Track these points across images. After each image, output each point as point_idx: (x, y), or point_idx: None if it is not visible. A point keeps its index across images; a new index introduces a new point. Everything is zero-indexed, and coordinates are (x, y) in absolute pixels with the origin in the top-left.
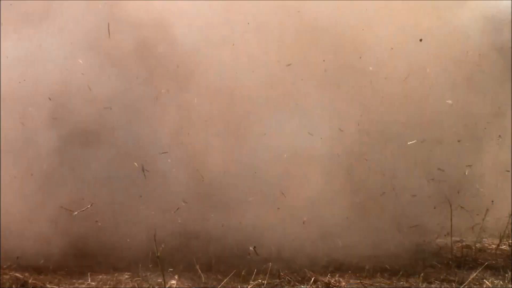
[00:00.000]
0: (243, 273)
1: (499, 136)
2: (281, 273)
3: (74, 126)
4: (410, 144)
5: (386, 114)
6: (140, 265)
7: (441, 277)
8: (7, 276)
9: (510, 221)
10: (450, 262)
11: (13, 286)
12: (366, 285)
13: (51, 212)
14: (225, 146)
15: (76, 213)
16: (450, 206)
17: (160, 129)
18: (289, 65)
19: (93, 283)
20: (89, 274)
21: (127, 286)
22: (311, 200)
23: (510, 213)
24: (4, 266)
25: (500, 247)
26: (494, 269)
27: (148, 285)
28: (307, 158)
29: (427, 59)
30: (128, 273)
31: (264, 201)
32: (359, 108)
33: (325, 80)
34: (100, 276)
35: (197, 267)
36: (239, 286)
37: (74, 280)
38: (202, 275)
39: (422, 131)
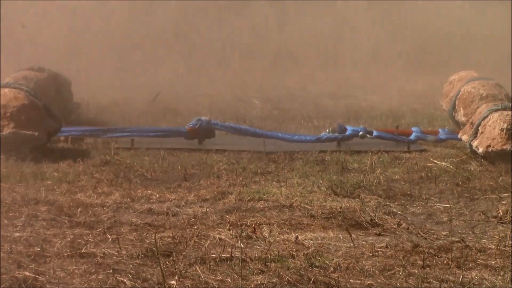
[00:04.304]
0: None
1: None
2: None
3: None
4: None
5: None
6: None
7: (441, 277)
8: (7, 276)
9: (510, 220)
10: (450, 262)
11: (13, 286)
12: (366, 285)
13: None
14: None
15: None
16: (450, 206)
17: None
18: None
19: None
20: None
21: (127, 286)
22: None
23: (511, 212)
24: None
25: (500, 247)
26: (494, 269)
27: (148, 285)
28: None
29: None
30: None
31: None
32: None
33: None
34: (100, 276)
35: (197, 267)
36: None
37: (74, 280)
38: (202, 275)
39: None
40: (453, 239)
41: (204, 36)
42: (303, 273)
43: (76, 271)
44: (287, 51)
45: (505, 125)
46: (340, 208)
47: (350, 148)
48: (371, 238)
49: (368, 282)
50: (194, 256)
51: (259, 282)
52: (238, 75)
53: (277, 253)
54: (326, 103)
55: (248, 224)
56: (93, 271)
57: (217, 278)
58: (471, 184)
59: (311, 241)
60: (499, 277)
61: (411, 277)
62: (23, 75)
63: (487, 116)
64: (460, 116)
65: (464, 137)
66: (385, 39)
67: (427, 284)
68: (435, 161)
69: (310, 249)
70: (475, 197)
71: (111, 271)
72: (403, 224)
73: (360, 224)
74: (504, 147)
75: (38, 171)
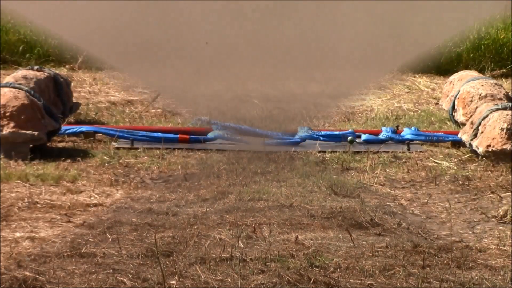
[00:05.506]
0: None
1: None
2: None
3: None
4: None
5: None
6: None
7: (441, 277)
8: (7, 276)
9: (510, 220)
10: (450, 262)
11: (13, 286)
12: (366, 285)
13: None
14: None
15: None
16: (450, 206)
17: None
18: None
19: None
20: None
21: (127, 286)
22: None
23: (511, 212)
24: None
25: (500, 247)
26: (494, 269)
27: (148, 285)
28: None
29: None
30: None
31: None
32: None
33: None
34: (100, 276)
35: (197, 267)
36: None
37: (74, 280)
38: (202, 275)
39: None
40: (453, 239)
41: (204, 35)
42: (303, 273)
43: (76, 271)
44: (287, 51)
45: (505, 125)
46: (340, 208)
47: (350, 148)
48: (371, 238)
49: (368, 282)
50: (194, 256)
51: (259, 282)
52: (238, 75)
53: (277, 253)
54: (326, 103)
55: (248, 224)
56: (93, 271)
57: (217, 278)
58: (471, 184)
59: (311, 241)
60: (499, 277)
61: (411, 277)
62: (23, 74)
63: (487, 116)
64: (460, 116)
65: (464, 137)
66: (385, 39)
67: (427, 284)
68: (435, 160)
69: (310, 249)
70: (475, 197)
71: (111, 271)
72: (403, 224)
73: (360, 224)
74: (504, 146)
75: (38, 171)
